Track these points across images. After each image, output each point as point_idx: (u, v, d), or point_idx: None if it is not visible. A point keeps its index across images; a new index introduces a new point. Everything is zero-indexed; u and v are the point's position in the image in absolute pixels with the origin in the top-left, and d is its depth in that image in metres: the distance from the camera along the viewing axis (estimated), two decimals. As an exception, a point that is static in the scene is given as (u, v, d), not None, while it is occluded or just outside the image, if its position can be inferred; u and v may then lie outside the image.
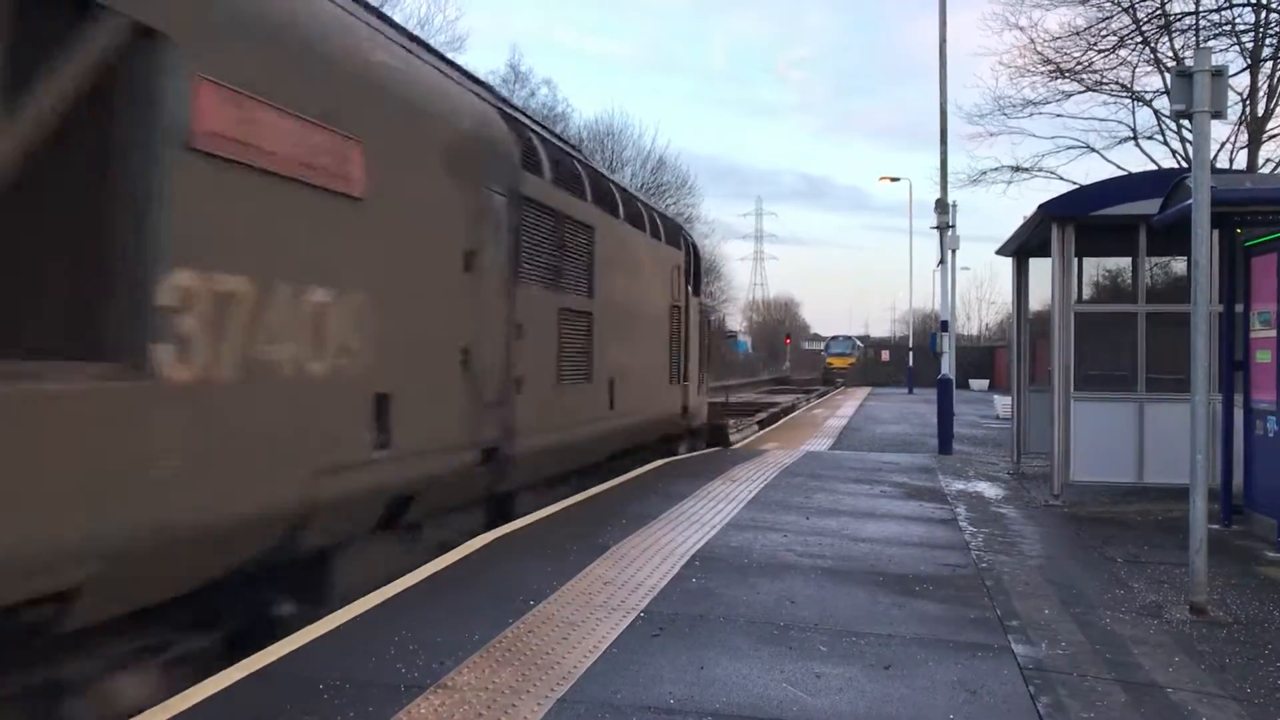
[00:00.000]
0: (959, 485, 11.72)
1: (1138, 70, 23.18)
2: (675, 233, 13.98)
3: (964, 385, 41.77)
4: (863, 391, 45.32)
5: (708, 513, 8.59)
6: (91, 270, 3.67)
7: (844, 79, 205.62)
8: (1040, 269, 12.53)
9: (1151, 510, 9.82)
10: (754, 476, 11.29)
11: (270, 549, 4.72)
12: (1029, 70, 23.80)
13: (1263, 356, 8.45)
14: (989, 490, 11.42)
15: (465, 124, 6.81)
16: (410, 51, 6.31)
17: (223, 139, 4.12)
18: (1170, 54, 22.07)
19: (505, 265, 7.37)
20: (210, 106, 4.03)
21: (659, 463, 12.70)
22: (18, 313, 3.41)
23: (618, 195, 10.87)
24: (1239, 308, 8.90)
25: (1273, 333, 8.16)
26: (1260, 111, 22.59)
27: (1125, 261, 11.47)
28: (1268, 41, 21.73)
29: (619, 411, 10.58)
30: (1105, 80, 23.59)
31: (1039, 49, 23.33)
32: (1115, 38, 22.45)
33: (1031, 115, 24.56)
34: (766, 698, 4.13)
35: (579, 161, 10.08)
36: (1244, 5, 21.21)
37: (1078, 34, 22.75)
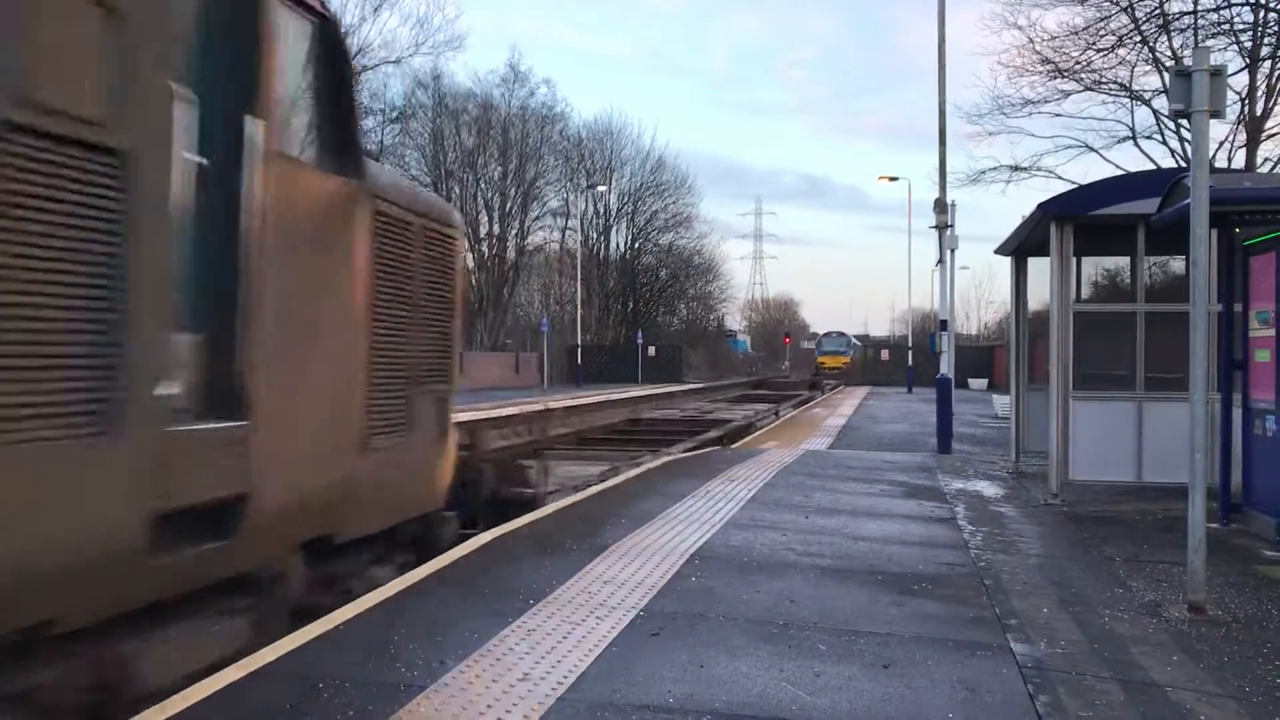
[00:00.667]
0: (958, 484, 11.73)
1: (1136, 70, 23.29)
2: None
3: (963, 385, 41.89)
4: (862, 391, 45.41)
5: (707, 511, 8.61)
6: None
7: (844, 80, 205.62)
8: (1039, 268, 12.52)
9: (1150, 509, 9.82)
10: (753, 476, 11.30)
11: None
12: (1027, 70, 23.90)
13: (1261, 356, 8.46)
14: (988, 489, 11.43)
15: None
16: None
17: None
18: (1169, 53, 22.14)
19: None
20: None
21: (659, 462, 12.70)
22: None
23: None
24: (1238, 307, 8.91)
25: (1271, 332, 8.17)
26: (1259, 111, 22.67)
27: (1124, 261, 11.45)
28: (1266, 41, 21.79)
29: None
30: (1104, 80, 23.69)
31: (1037, 48, 23.43)
32: (1114, 37, 22.56)
33: (1030, 115, 24.66)
34: (766, 696, 4.13)
35: None
36: (1242, 4, 21.29)
37: (1076, 33, 22.85)
